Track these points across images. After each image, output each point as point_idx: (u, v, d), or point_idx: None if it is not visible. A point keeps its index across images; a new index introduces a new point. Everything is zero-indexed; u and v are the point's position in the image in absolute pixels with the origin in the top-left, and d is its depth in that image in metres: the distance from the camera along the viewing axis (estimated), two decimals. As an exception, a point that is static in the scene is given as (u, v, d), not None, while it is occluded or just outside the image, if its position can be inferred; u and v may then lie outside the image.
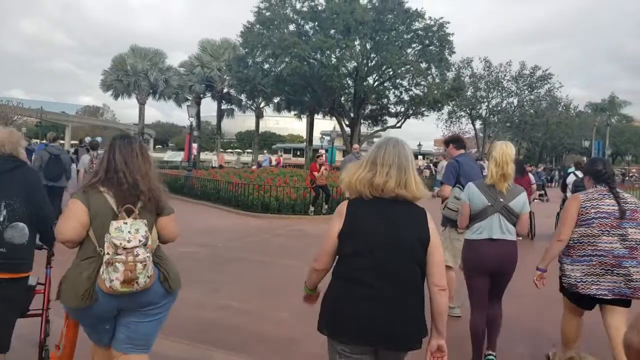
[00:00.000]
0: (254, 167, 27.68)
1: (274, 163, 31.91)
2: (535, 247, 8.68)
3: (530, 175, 9.96)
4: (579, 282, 3.24)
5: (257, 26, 28.49)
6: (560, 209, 8.94)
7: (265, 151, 32.86)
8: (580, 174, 8.63)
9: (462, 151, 4.75)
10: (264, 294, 5.63)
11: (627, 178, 41.88)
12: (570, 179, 9.18)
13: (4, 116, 47.87)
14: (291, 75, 28.52)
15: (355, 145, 15.32)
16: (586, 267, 3.22)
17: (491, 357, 3.60)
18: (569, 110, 44.17)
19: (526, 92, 39.05)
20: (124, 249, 2.20)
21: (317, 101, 33.16)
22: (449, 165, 4.65)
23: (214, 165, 26.64)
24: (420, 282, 2.03)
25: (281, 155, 30.54)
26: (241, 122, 77.25)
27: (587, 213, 3.25)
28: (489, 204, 3.41)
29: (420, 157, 37.62)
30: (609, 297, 3.18)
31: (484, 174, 6.23)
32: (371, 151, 2.14)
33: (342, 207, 2.10)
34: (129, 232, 2.24)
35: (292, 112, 39.04)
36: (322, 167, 11.57)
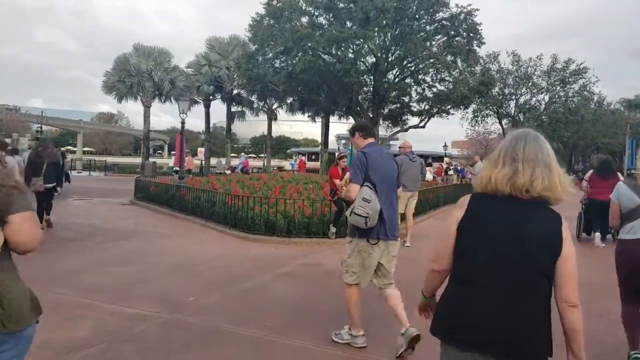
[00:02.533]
0: (228, 172, 24.16)
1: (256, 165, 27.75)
2: None
3: (620, 175, 8.94)
4: None
5: (267, 19, 25.29)
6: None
7: (242, 154, 29.17)
8: None
9: (371, 140, 3.99)
10: None
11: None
12: None
13: (25, 125, 45.83)
14: (304, 71, 25.28)
15: (405, 142, 12.18)
16: None
17: (637, 356, 3.41)
18: (602, 106, 40.04)
19: (558, 87, 35.12)
20: None
21: (333, 100, 29.85)
22: (355, 158, 3.78)
23: (221, 171, 23.41)
24: (547, 295, 1.71)
25: (300, 157, 26.38)
26: (256, 126, 74.62)
27: None
28: None
29: (446, 158, 33.94)
30: None
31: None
32: (506, 145, 1.83)
33: (465, 199, 1.88)
34: None
35: (307, 114, 35.85)
36: (347, 173, 8.20)
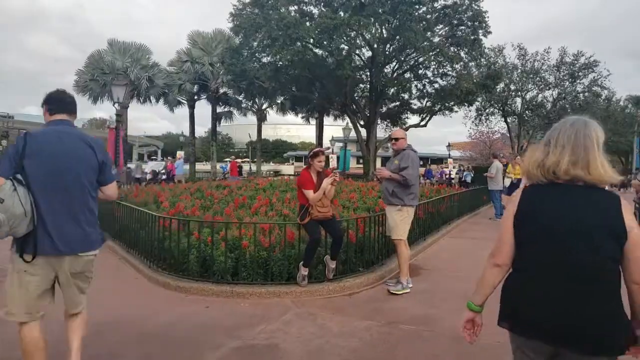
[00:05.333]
0: (149, 175, 19.51)
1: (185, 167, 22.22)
2: None
3: None
4: None
5: (250, 7, 22.09)
6: None
7: (169, 157, 24.72)
8: None
9: (61, 117, 2.77)
10: None
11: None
12: None
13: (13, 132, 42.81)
14: (293, 65, 22.09)
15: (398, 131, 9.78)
16: None
17: None
18: (612, 103, 36.77)
19: (567, 83, 31.84)
20: None
21: (327, 98, 26.62)
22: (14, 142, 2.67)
23: (139, 176, 19.16)
24: (616, 279, 1.62)
25: (232, 159, 21.65)
26: (253, 130, 71.34)
27: None
28: None
29: (450, 160, 30.67)
30: None
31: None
32: (562, 131, 1.74)
33: (518, 192, 1.80)
34: None
35: (300, 115, 32.61)
36: (330, 179, 4.94)
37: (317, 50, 23.70)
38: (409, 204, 5.29)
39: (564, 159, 1.65)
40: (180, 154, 21.29)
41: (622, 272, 1.62)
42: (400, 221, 5.25)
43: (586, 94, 32.21)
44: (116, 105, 9.77)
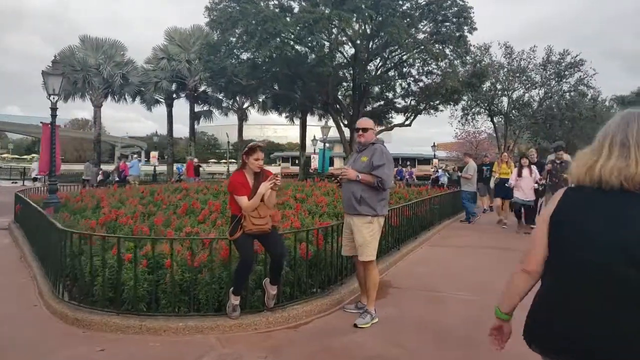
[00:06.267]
0: (100, 177, 18.12)
1: (141, 170, 20.52)
2: None
3: None
4: None
5: (225, 1, 20.93)
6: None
7: (134, 155, 23.17)
8: None
9: None
10: None
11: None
12: None
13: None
14: (273, 62, 21.02)
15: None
16: None
17: None
18: (597, 103, 36.17)
19: (553, 82, 31.14)
20: None
21: (309, 96, 25.57)
22: None
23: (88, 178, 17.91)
24: None
25: (189, 159, 20.10)
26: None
27: None
28: None
29: (435, 160, 29.76)
30: None
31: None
32: (613, 129, 1.48)
33: (558, 194, 1.58)
34: None
35: (283, 115, 31.46)
36: (269, 182, 3.83)
37: (297, 47, 22.67)
38: (381, 214, 4.21)
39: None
40: (154, 154, 20.06)
41: None
42: (370, 237, 4.14)
43: (572, 93, 31.59)
44: (52, 97, 8.55)
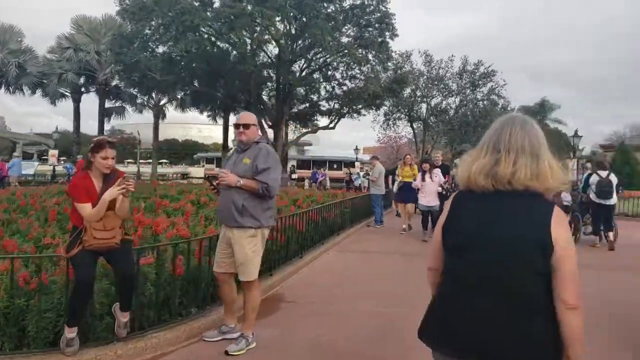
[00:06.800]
0: None
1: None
2: None
3: None
4: None
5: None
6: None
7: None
8: (604, 174, 8.63)
9: None
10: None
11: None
12: (594, 179, 8.70)
13: None
14: (189, 55, 19.86)
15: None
16: None
17: None
18: (507, 112, 38.68)
19: (468, 90, 32.76)
20: None
21: (231, 95, 24.59)
22: None
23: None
24: (541, 297, 1.44)
25: (80, 158, 17.49)
26: (163, 130, 66.49)
27: None
28: None
29: (357, 163, 30.00)
30: None
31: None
32: (491, 132, 1.59)
33: (451, 197, 1.67)
34: None
35: (205, 113, 30.09)
36: (119, 187, 3.05)
37: (218, 43, 21.67)
38: (266, 225, 3.60)
39: (521, 169, 1.48)
40: (53, 152, 18.06)
41: (553, 289, 1.45)
42: (253, 253, 3.52)
43: (485, 101, 33.39)
44: None
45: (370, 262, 7.11)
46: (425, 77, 31.87)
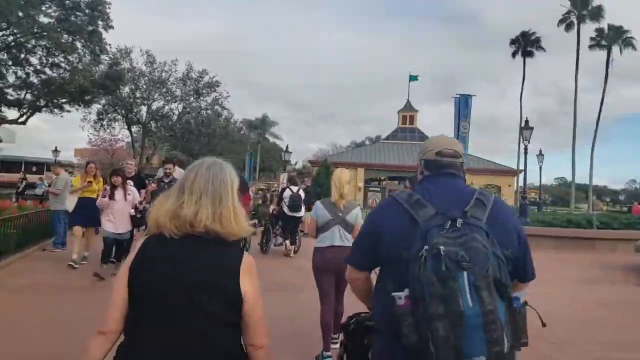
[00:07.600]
0: None
1: None
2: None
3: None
4: None
5: None
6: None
7: None
8: (295, 189, 9.43)
9: None
10: None
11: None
12: (287, 193, 9.25)
13: None
14: None
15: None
16: None
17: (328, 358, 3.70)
18: (230, 123, 40.61)
19: (192, 98, 32.62)
20: None
21: None
22: None
23: None
24: (230, 346, 1.41)
25: None
26: None
27: None
28: (331, 218, 3.83)
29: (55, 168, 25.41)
30: None
31: None
32: (185, 175, 1.55)
33: (140, 241, 1.50)
34: None
35: None
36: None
37: None
38: None
39: (202, 210, 1.42)
40: None
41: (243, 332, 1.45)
42: None
43: (209, 111, 33.91)
44: None
45: (25, 303, 5.54)
46: (146, 77, 30.02)
